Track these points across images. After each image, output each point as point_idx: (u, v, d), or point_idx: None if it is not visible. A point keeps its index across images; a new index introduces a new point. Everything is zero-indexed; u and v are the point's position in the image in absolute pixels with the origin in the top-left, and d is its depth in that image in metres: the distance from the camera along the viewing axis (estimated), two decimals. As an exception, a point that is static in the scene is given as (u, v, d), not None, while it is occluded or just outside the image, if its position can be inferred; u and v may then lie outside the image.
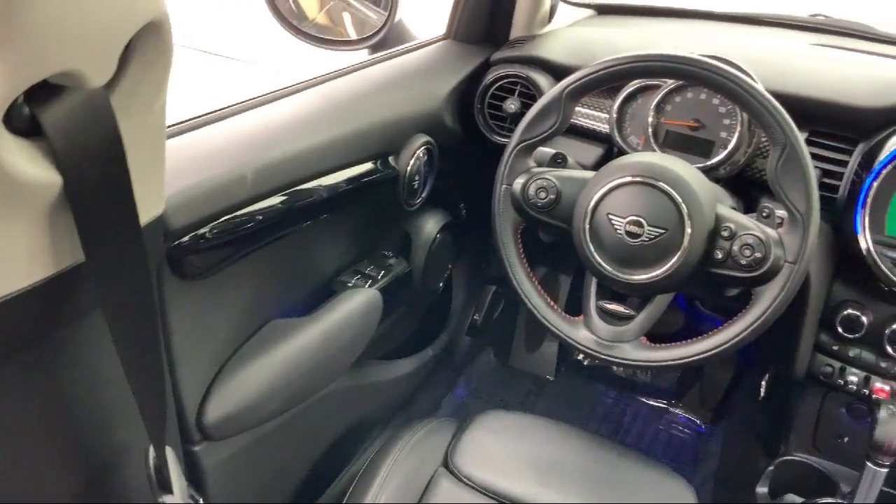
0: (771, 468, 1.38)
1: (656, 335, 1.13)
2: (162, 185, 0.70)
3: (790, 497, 1.32)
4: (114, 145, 0.56)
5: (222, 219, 0.93)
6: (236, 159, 0.95)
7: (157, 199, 0.70)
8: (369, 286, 1.31)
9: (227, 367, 1.06)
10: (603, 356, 1.10)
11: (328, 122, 1.14)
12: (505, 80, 1.43)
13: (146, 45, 0.56)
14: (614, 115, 1.34)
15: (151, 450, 0.76)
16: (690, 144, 1.31)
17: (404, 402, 1.73)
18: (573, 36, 1.54)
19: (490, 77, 1.44)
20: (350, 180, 1.18)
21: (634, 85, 1.33)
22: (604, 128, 1.38)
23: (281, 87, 1.15)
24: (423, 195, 1.38)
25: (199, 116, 0.99)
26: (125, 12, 0.52)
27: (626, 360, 1.09)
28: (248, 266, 1.06)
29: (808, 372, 1.33)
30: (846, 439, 1.45)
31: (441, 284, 1.61)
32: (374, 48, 1.48)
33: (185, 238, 0.88)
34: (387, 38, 1.47)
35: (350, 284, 1.30)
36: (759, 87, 1.00)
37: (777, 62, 1.39)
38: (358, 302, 1.25)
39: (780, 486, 1.36)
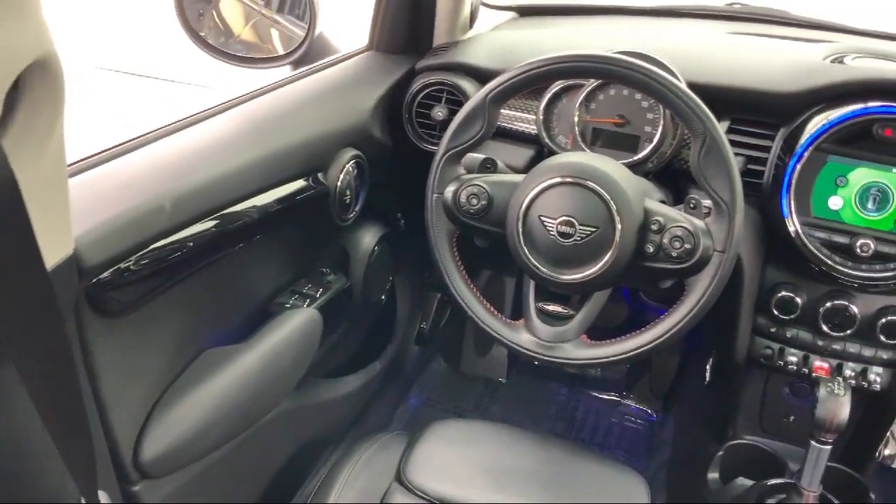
0: (720, 453, 1.40)
1: (602, 329, 1.14)
2: (69, 224, 0.68)
3: (741, 480, 1.34)
4: (9, 189, 0.53)
5: (143, 251, 0.90)
6: (153, 189, 0.93)
7: (65, 238, 0.68)
8: (308, 305, 1.29)
9: (162, 402, 1.03)
10: (545, 358, 1.10)
11: (250, 144, 1.11)
12: (431, 88, 1.43)
13: (34, 84, 0.54)
14: (541, 117, 1.34)
15: (83, 500, 0.73)
16: (617, 141, 1.32)
17: (355, 419, 1.71)
18: (496, 39, 1.54)
19: (416, 86, 1.43)
20: (279, 200, 1.16)
21: (559, 85, 1.34)
22: (532, 129, 1.38)
23: (198, 111, 1.13)
24: (357, 209, 1.37)
25: (111, 148, 0.96)
26: (7, 51, 0.50)
27: (567, 359, 1.09)
28: (177, 296, 1.03)
29: (749, 355, 1.36)
30: (792, 418, 1.48)
31: (383, 297, 1.60)
32: (297, 64, 1.46)
33: (104, 274, 0.85)
34: (308, 53, 1.45)
35: (288, 305, 1.27)
36: (675, 80, 1.01)
37: (696, 53, 1.41)
38: (296, 323, 1.23)
39: (731, 470, 1.37)
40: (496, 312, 1.14)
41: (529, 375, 2.18)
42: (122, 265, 0.88)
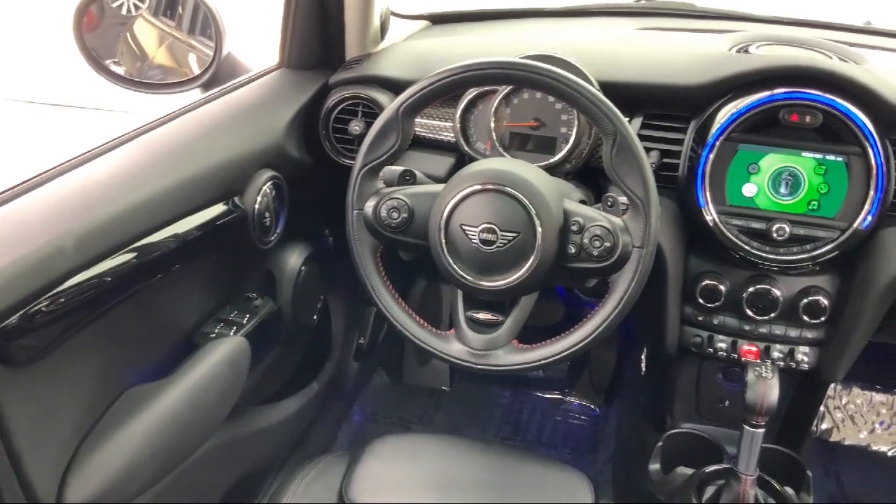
0: (660, 444, 1.41)
1: (539, 329, 1.14)
2: None
3: (681, 469, 1.36)
4: None
5: (47, 295, 0.86)
6: (53, 229, 0.89)
7: None
8: (235, 333, 1.26)
9: (84, 447, 0.99)
10: (478, 366, 1.10)
11: (158, 173, 1.08)
12: (347, 103, 1.41)
13: None
14: (458, 124, 1.34)
15: None
16: (534, 144, 1.33)
17: (297, 443, 1.68)
18: (409, 49, 1.54)
19: (330, 101, 1.41)
20: (195, 228, 1.13)
21: (474, 92, 1.34)
22: (451, 137, 1.38)
23: (99, 143, 1.09)
24: (278, 231, 1.34)
25: (7, 190, 0.92)
26: None
27: (500, 366, 1.09)
28: (91, 337, 0.99)
29: (680, 345, 1.38)
30: (727, 403, 1.51)
31: (315, 317, 1.57)
32: (207, 86, 1.43)
33: (7, 323, 0.82)
34: (218, 75, 1.42)
35: (213, 335, 1.24)
36: (581, 81, 1.01)
37: (606, 52, 1.43)
38: (222, 352, 1.20)
39: (671, 460, 1.39)
40: (426, 324, 1.13)
41: (473, 382, 2.18)
42: (27, 311, 0.84)
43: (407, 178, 1.14)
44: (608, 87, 1.27)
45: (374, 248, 1.13)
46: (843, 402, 2.08)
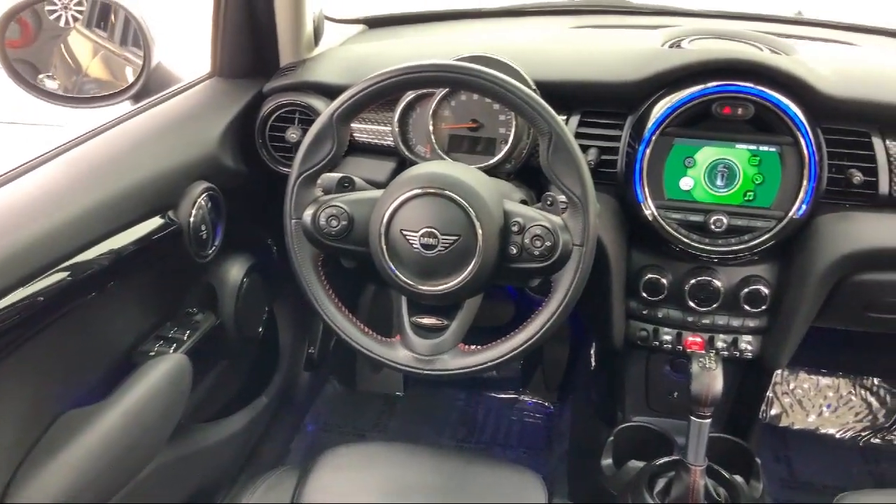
0: (611, 439, 1.42)
1: (490, 329, 1.13)
2: None
3: (632, 463, 1.36)
4: None
5: None
6: None
7: None
8: (175, 350, 1.23)
9: (18, 475, 0.95)
10: (425, 372, 1.09)
11: (86, 189, 1.05)
12: (283, 110, 1.39)
13: None
14: (396, 128, 1.33)
15: None
16: (474, 145, 1.32)
17: (248, 458, 1.65)
18: (345, 54, 1.52)
19: (266, 109, 1.39)
20: (129, 244, 1.10)
21: (411, 95, 1.33)
22: (390, 141, 1.36)
23: (25, 160, 1.05)
24: (217, 244, 1.32)
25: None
26: None
27: (446, 371, 1.08)
28: (23, 359, 0.96)
29: (626, 339, 1.39)
30: (675, 394, 1.52)
31: (260, 329, 1.55)
32: (137, 98, 1.39)
33: None
34: (149, 86, 1.39)
35: (152, 353, 1.21)
36: (514, 82, 1.01)
37: (541, 51, 1.43)
38: (162, 371, 1.17)
39: (623, 454, 1.40)
40: (370, 332, 1.11)
41: (427, 385, 2.17)
42: None
43: (345, 185, 1.12)
44: (544, 87, 1.28)
45: (315, 257, 1.11)
46: (791, 387, 2.12)
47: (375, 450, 1.26)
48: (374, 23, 1.76)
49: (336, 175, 1.13)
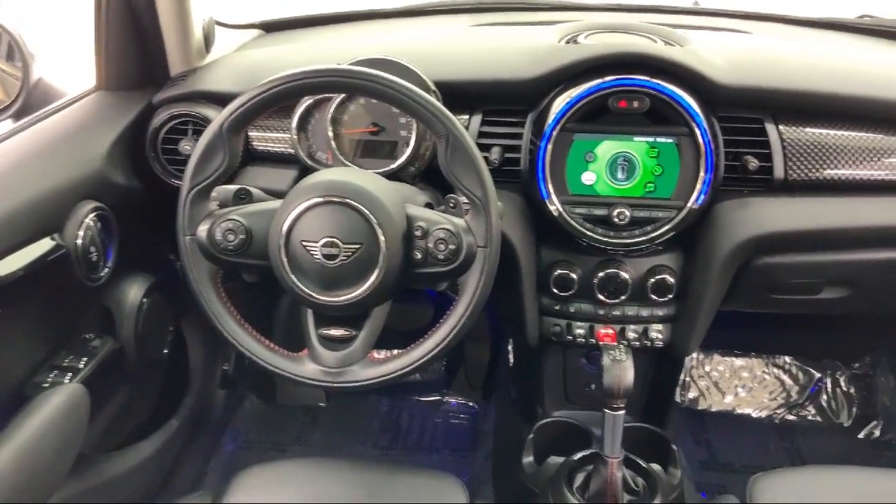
0: (531, 436, 1.42)
1: (410, 333, 1.11)
2: None
3: (553, 459, 1.36)
4: None
5: None
6: None
7: None
8: (71, 379, 1.16)
9: None
10: (335, 385, 1.06)
11: None
12: (175, 121, 1.34)
13: None
14: (294, 135, 1.29)
15: None
16: (375, 149, 1.30)
17: (162, 484, 1.58)
18: (239, 60, 1.48)
19: (157, 121, 1.34)
20: (13, 271, 1.04)
21: (309, 100, 1.29)
22: (289, 149, 1.32)
23: None
24: (110, 265, 1.25)
25: None
26: None
27: (357, 382, 1.05)
28: None
29: (541, 335, 1.39)
30: (593, 386, 1.54)
31: (166, 350, 1.48)
32: (19, 115, 1.31)
33: None
34: (31, 102, 1.32)
35: (46, 384, 1.14)
36: (408, 84, 0.99)
37: (440, 51, 1.42)
38: (57, 403, 1.10)
39: (544, 450, 1.40)
40: (275, 347, 1.08)
41: (349, 395, 2.14)
42: None
43: (242, 197, 1.08)
44: (445, 87, 1.27)
45: (213, 273, 1.07)
46: (707, 369, 2.17)
47: (291, 467, 1.22)
48: (270, 27, 1.72)
49: (232, 187, 1.09)
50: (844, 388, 2.12)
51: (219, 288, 1.07)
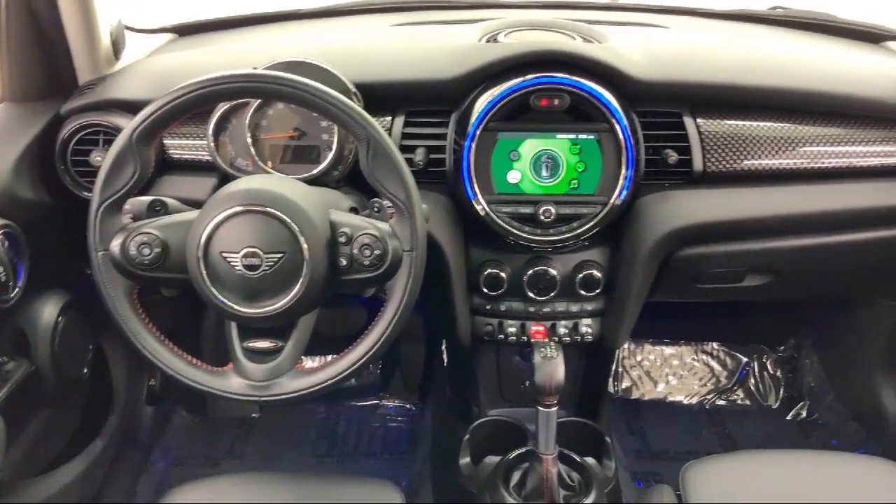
0: (467, 437, 1.41)
1: (345, 339, 1.08)
2: None
3: (489, 458, 1.36)
4: None
5: None
6: None
7: None
8: None
9: None
10: (262, 399, 1.03)
11: None
12: (84, 132, 1.28)
13: None
14: (212, 142, 1.25)
15: None
16: (298, 154, 1.27)
17: None
18: (151, 66, 1.43)
19: (65, 132, 1.28)
20: None
21: (225, 106, 1.26)
22: (207, 156, 1.29)
23: None
24: (20, 284, 1.20)
25: None
26: None
27: (285, 394, 1.03)
28: None
29: (473, 335, 1.38)
30: (527, 383, 1.54)
31: (86, 369, 1.43)
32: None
33: None
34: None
35: None
36: (325, 88, 0.97)
37: (361, 52, 1.40)
38: None
39: (480, 450, 1.39)
40: (198, 363, 1.04)
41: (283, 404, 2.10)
42: None
43: (157, 209, 1.04)
44: (366, 88, 1.25)
45: (129, 289, 1.02)
46: (638, 359, 2.21)
47: (223, 484, 1.18)
48: (184, 30, 1.67)
49: (146, 198, 1.04)
50: (771, 371, 2.18)
51: (135, 304, 1.03)
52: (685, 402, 2.17)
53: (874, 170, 1.33)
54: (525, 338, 1.37)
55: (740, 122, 1.30)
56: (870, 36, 1.67)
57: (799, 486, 1.13)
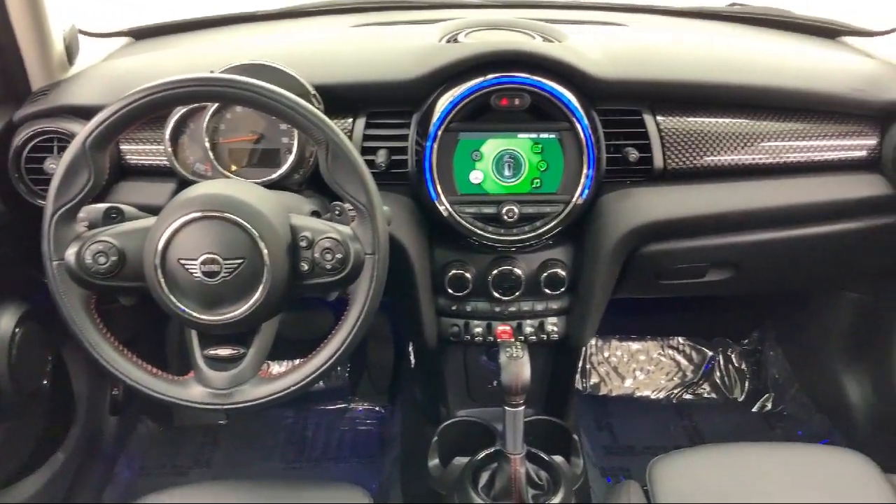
0: (435, 438, 1.41)
1: (313, 342, 1.07)
2: None
3: (458, 460, 1.36)
4: None
5: None
6: None
7: None
8: None
9: None
10: (225, 407, 1.01)
11: None
12: (38, 139, 1.26)
13: None
14: (169, 147, 1.23)
15: None
16: (259, 158, 1.26)
17: None
18: (107, 71, 1.40)
19: (18, 140, 1.26)
20: None
21: (182, 110, 1.24)
22: (165, 162, 1.26)
23: None
24: None
25: None
26: None
27: (249, 402, 1.01)
28: None
29: (439, 336, 1.38)
30: (495, 383, 1.54)
31: (45, 381, 1.40)
32: None
33: None
34: None
35: None
36: (282, 91, 0.96)
37: (320, 54, 1.39)
38: None
39: (449, 452, 1.39)
40: (158, 372, 1.02)
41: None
42: None
43: (113, 216, 1.02)
44: (326, 90, 1.24)
45: (86, 299, 1.00)
46: (606, 355, 2.22)
47: (190, 492, 1.17)
48: (140, 34, 1.64)
49: (102, 206, 1.03)
50: (736, 364, 2.20)
51: (93, 314, 1.01)
52: (653, 396, 2.18)
53: (833, 164, 1.35)
54: (491, 338, 1.37)
55: (700, 119, 1.31)
56: (826, 31, 1.70)
57: (764, 479, 1.14)
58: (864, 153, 1.36)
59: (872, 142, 1.35)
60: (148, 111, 0.96)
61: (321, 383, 2.12)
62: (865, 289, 1.71)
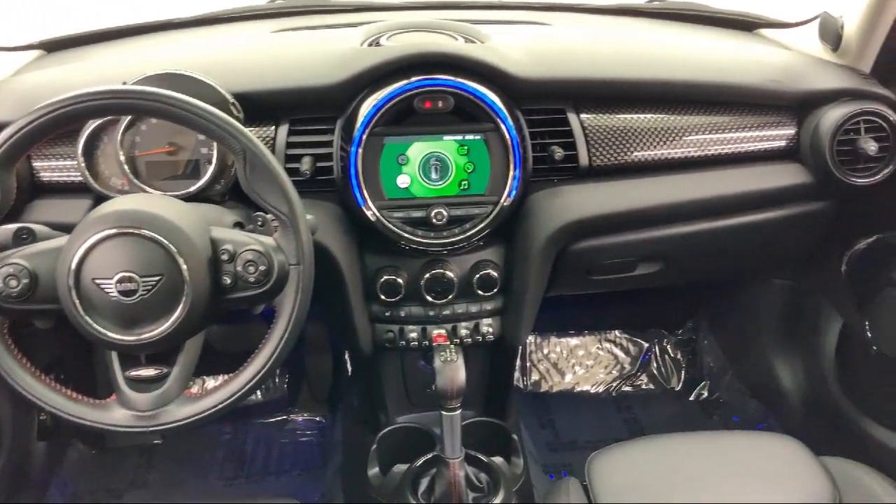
0: (374, 447, 1.39)
1: (247, 354, 1.04)
2: None
3: (398, 467, 1.34)
4: None
5: None
6: None
7: None
8: None
9: None
10: (150, 429, 0.98)
11: None
12: None
13: None
14: (82, 162, 1.19)
15: None
16: (177, 170, 1.22)
17: None
18: (16, 85, 1.34)
19: None
20: None
21: (94, 124, 1.19)
22: (79, 177, 1.22)
23: None
24: None
25: None
26: None
27: (175, 422, 0.98)
28: None
29: (374, 343, 1.36)
30: (433, 387, 1.52)
31: None
32: None
33: None
34: None
35: None
36: (193, 100, 0.93)
37: (239, 61, 1.36)
38: None
39: (389, 459, 1.37)
40: (79, 396, 0.99)
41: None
42: None
43: (23, 237, 0.98)
44: (246, 98, 1.21)
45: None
46: (545, 352, 2.23)
47: None
48: (53, 46, 1.58)
49: (11, 226, 0.98)
50: (672, 354, 2.24)
51: (6, 339, 0.97)
52: (592, 391, 2.20)
53: (755, 154, 1.38)
54: (427, 342, 1.36)
55: (624, 116, 1.32)
56: (743, 24, 1.74)
57: (699, 468, 1.16)
58: (783, 143, 1.39)
59: (791, 131, 1.39)
60: (55, 126, 0.92)
61: (259, 395, 2.09)
62: (791, 275, 1.76)
